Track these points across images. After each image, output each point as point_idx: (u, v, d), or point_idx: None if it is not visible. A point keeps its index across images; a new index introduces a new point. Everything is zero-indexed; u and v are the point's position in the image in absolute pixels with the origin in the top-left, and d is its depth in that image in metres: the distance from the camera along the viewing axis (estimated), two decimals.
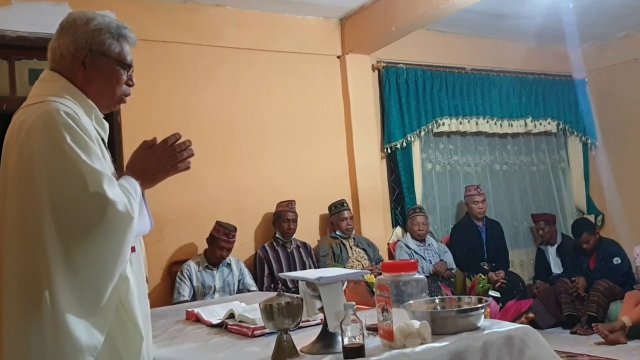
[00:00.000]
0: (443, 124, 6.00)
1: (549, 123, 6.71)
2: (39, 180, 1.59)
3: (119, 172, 1.80)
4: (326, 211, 5.21)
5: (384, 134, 5.74)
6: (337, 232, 5.06)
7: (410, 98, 5.81)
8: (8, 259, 1.63)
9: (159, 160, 1.79)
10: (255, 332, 2.00)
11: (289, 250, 4.83)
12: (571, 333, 5.16)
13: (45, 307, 1.55)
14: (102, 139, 1.80)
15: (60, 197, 1.58)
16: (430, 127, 5.92)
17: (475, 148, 6.34)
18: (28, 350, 1.56)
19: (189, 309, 2.55)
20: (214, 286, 4.37)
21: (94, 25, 1.79)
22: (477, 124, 6.23)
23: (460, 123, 6.12)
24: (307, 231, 5.13)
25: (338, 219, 5.07)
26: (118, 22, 1.86)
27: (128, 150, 4.41)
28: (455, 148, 6.21)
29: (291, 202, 4.86)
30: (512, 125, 6.46)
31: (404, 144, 5.74)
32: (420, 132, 5.85)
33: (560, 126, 6.79)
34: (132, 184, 1.73)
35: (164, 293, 4.47)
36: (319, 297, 1.75)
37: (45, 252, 1.56)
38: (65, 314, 1.54)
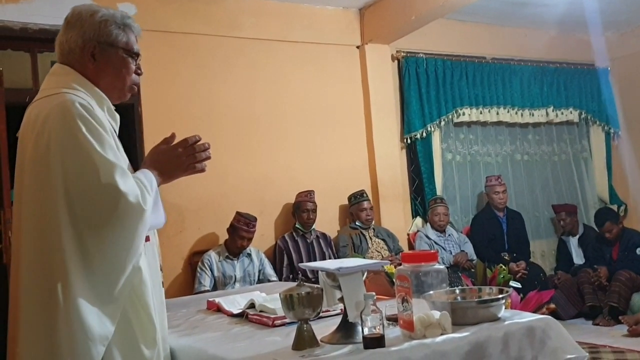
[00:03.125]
0: (463, 114, 5.96)
1: (571, 112, 6.62)
2: (54, 170, 1.61)
3: (138, 163, 1.82)
4: (346, 202, 5.21)
5: (404, 124, 5.71)
6: (357, 223, 5.06)
7: (430, 88, 5.78)
8: (25, 248, 1.66)
9: (178, 158, 1.81)
10: (275, 322, 2.00)
11: (308, 240, 4.85)
12: (593, 324, 5.11)
13: (60, 295, 1.57)
14: (114, 130, 1.82)
15: (74, 188, 1.60)
16: (450, 117, 5.88)
17: (495, 138, 6.28)
18: (43, 337, 1.58)
19: (210, 299, 2.56)
20: (235, 276, 4.40)
21: (99, 17, 1.80)
22: (497, 113, 6.16)
23: (481, 113, 6.07)
24: (327, 222, 5.13)
25: (358, 209, 5.06)
26: (122, 12, 1.87)
27: (149, 142, 4.45)
28: (475, 138, 6.16)
29: (310, 192, 4.86)
30: (533, 115, 6.38)
31: (424, 134, 5.71)
32: (440, 122, 5.81)
33: (583, 115, 6.70)
34: (149, 178, 1.74)
35: (186, 283, 4.52)
36: (339, 288, 1.75)
37: (60, 241, 1.58)
38: (78, 303, 1.56)
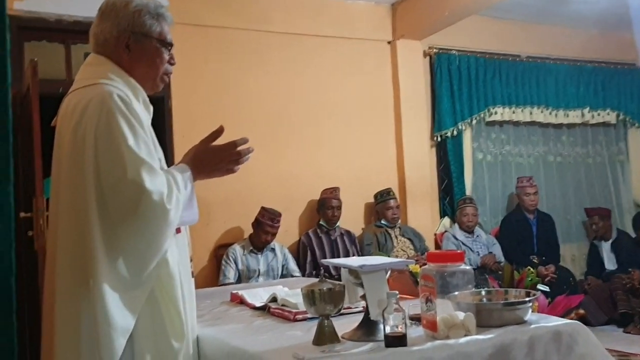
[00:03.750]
0: (495, 113, 5.88)
1: (608, 114, 6.47)
2: (88, 162, 1.63)
3: (167, 156, 1.83)
4: (372, 199, 5.18)
5: (434, 122, 5.66)
6: (382, 221, 5.03)
7: (462, 85, 5.71)
8: (61, 236, 1.69)
9: (222, 160, 1.83)
10: (297, 317, 2.00)
11: (332, 237, 4.83)
12: (624, 332, 4.98)
13: (88, 285, 1.60)
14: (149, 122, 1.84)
15: (104, 180, 1.63)
16: (482, 115, 5.81)
17: (528, 138, 6.18)
18: (73, 325, 1.62)
19: (234, 291, 2.57)
20: (259, 270, 4.42)
21: (133, 7, 1.82)
22: (531, 113, 6.07)
23: (514, 112, 5.98)
24: (352, 219, 5.11)
25: (384, 207, 5.03)
26: (155, 2, 1.88)
27: (178, 135, 4.49)
28: (507, 138, 6.07)
29: (335, 189, 4.84)
30: (568, 116, 6.26)
31: (455, 133, 5.65)
32: (471, 120, 5.74)
33: (620, 117, 6.54)
34: (185, 176, 1.75)
35: (210, 275, 4.55)
36: (361, 285, 1.73)
37: (89, 232, 1.61)
38: (104, 294, 1.59)
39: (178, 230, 1.79)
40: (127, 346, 1.64)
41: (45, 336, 1.73)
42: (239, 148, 1.83)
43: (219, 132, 1.85)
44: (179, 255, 1.79)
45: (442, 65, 5.65)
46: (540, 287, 4.70)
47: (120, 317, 1.60)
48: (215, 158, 1.83)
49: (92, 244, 1.60)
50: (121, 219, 1.62)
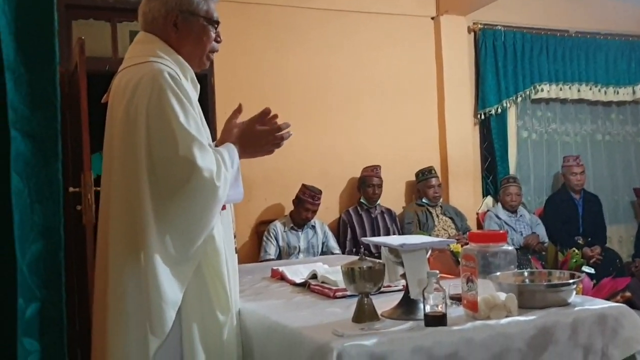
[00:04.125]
0: (542, 90, 5.73)
1: None
2: (139, 139, 1.67)
3: (210, 133, 1.86)
4: (413, 178, 5.14)
5: (478, 99, 5.55)
6: (424, 200, 4.99)
7: (507, 62, 5.58)
8: (113, 213, 1.74)
9: (267, 143, 1.88)
10: (336, 294, 2.01)
11: (373, 215, 4.83)
12: None
13: (139, 258, 1.65)
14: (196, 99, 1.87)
15: (155, 156, 1.66)
16: (527, 93, 5.67)
17: (575, 116, 6.01)
18: (125, 296, 1.67)
19: (274, 267, 2.60)
20: (299, 247, 4.46)
21: None
22: (579, 90, 5.89)
23: (561, 89, 5.82)
24: (393, 197, 5.09)
25: (425, 186, 4.99)
26: None
27: (220, 113, 4.53)
28: (553, 116, 5.92)
29: (376, 167, 4.83)
30: (618, 93, 6.06)
31: (499, 110, 5.54)
32: (516, 98, 5.61)
33: None
34: (232, 155, 1.79)
35: (252, 251, 4.62)
36: (402, 264, 1.73)
37: (141, 206, 1.65)
38: (155, 266, 1.63)
39: (223, 207, 1.83)
40: (175, 319, 1.69)
41: (96, 308, 1.79)
42: (282, 132, 1.88)
43: (266, 113, 1.88)
44: (223, 232, 1.82)
45: (486, 41, 5.53)
46: (585, 268, 4.61)
47: (171, 290, 1.65)
48: (261, 140, 1.88)
49: (143, 219, 1.64)
50: (172, 195, 1.66)
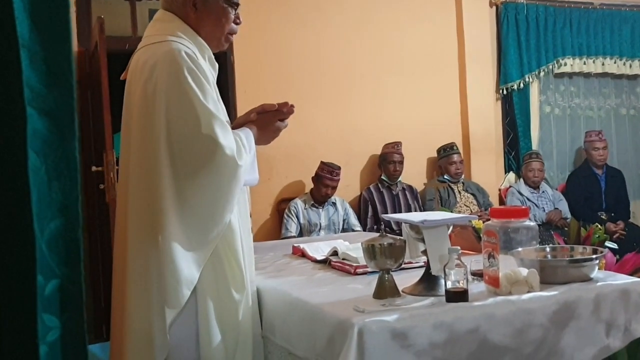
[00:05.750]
0: (565, 64, 5.62)
1: None
2: (158, 116, 1.68)
3: (230, 112, 1.88)
4: (434, 154, 5.10)
5: (500, 74, 5.47)
6: (445, 176, 4.96)
7: (530, 36, 5.47)
8: (132, 192, 1.75)
9: (275, 136, 1.95)
10: (357, 270, 2.02)
11: (394, 192, 4.81)
12: None
13: (157, 237, 1.67)
14: (214, 79, 1.87)
15: (175, 135, 1.67)
16: (550, 67, 5.56)
17: (599, 90, 5.89)
18: (141, 274, 1.71)
19: (295, 244, 2.61)
20: (320, 224, 4.47)
21: None
22: (603, 64, 5.76)
23: (584, 63, 5.69)
24: (414, 174, 5.06)
25: (447, 162, 4.95)
26: None
27: (240, 92, 4.52)
28: (577, 90, 5.81)
29: (397, 144, 4.80)
30: None
31: (521, 85, 5.45)
32: (539, 72, 5.51)
33: None
34: (249, 139, 1.81)
35: (273, 228, 4.64)
36: (423, 240, 1.73)
37: (159, 185, 1.66)
38: (171, 245, 1.65)
39: None
40: (191, 295, 1.72)
41: (115, 284, 1.83)
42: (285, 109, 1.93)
43: (290, 113, 1.92)
44: (238, 211, 1.83)
45: (509, 15, 5.42)
46: (608, 244, 4.56)
47: (187, 269, 1.68)
48: (275, 133, 1.95)
49: (162, 198, 1.66)
50: (193, 173, 1.67)
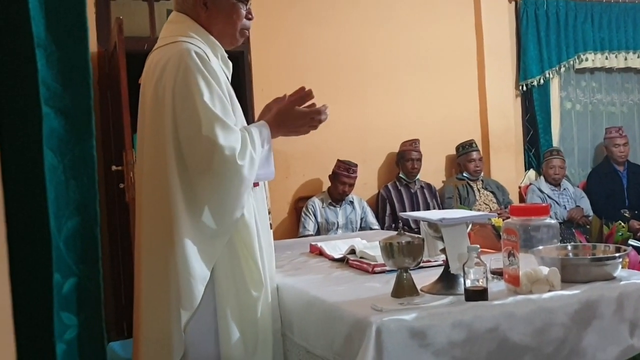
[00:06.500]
0: (586, 60, 5.54)
1: None
2: (167, 118, 1.69)
3: (247, 111, 1.87)
4: (453, 151, 5.06)
5: (520, 70, 5.41)
6: (464, 174, 4.92)
7: (550, 31, 5.41)
8: (146, 191, 1.77)
9: (304, 124, 1.89)
10: (375, 269, 2.00)
11: (412, 190, 4.78)
12: None
13: (172, 238, 1.68)
14: (228, 78, 1.87)
15: (180, 137, 1.69)
16: (571, 62, 5.49)
17: (622, 86, 5.80)
18: (156, 273, 1.73)
19: (313, 243, 2.61)
20: (337, 222, 4.46)
21: None
22: (625, 59, 5.68)
23: (606, 58, 5.61)
24: (432, 172, 5.03)
25: (466, 160, 4.91)
26: None
27: (257, 90, 4.53)
28: (598, 86, 5.73)
29: (415, 141, 4.77)
30: None
31: (542, 81, 5.39)
32: (560, 68, 5.45)
33: None
34: (263, 134, 1.79)
35: (291, 226, 4.64)
36: (441, 239, 1.71)
37: (170, 188, 1.69)
38: (184, 243, 1.67)
39: (256, 184, 1.83)
40: (209, 293, 1.73)
41: (136, 282, 1.85)
42: (320, 115, 1.89)
43: (308, 95, 1.87)
44: (256, 208, 1.83)
45: (528, 10, 5.36)
46: (631, 242, 4.49)
47: (199, 267, 1.69)
48: (299, 121, 1.88)
49: (173, 197, 1.67)
50: (197, 174, 1.68)
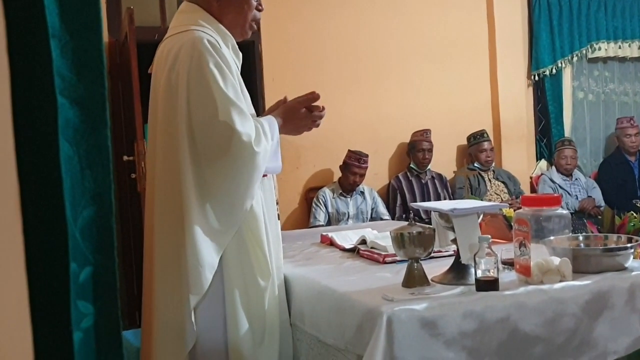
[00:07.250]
0: (599, 49, 5.49)
1: None
2: (180, 105, 1.70)
3: (258, 101, 1.89)
4: (464, 142, 5.04)
5: (532, 59, 5.37)
6: (476, 164, 4.90)
7: (562, 20, 5.36)
8: (158, 177, 1.79)
9: (305, 125, 1.94)
10: (386, 259, 2.01)
11: (423, 181, 4.78)
12: None
13: (183, 227, 1.69)
14: (238, 68, 1.88)
15: (195, 121, 1.69)
16: (584, 52, 5.44)
17: (635, 75, 5.75)
18: (167, 259, 1.75)
19: (324, 233, 2.61)
20: (348, 213, 4.47)
21: None
22: (639, 48, 5.61)
23: (620, 47, 5.56)
24: (443, 162, 5.01)
25: (477, 150, 4.89)
26: None
27: (268, 80, 4.52)
28: (611, 75, 5.67)
29: (426, 131, 4.75)
30: None
31: (554, 71, 5.35)
32: (572, 57, 5.40)
33: None
34: (272, 127, 1.81)
35: (301, 217, 4.65)
36: (452, 229, 1.71)
37: (182, 175, 1.70)
38: (194, 231, 1.69)
39: (264, 175, 1.84)
40: (218, 281, 1.75)
41: (145, 271, 1.86)
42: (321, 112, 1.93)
43: (315, 98, 1.91)
44: (264, 198, 1.85)
45: None
46: None
47: (208, 255, 1.71)
48: (302, 121, 1.93)
49: (184, 185, 1.69)
50: (211, 160, 1.69)
